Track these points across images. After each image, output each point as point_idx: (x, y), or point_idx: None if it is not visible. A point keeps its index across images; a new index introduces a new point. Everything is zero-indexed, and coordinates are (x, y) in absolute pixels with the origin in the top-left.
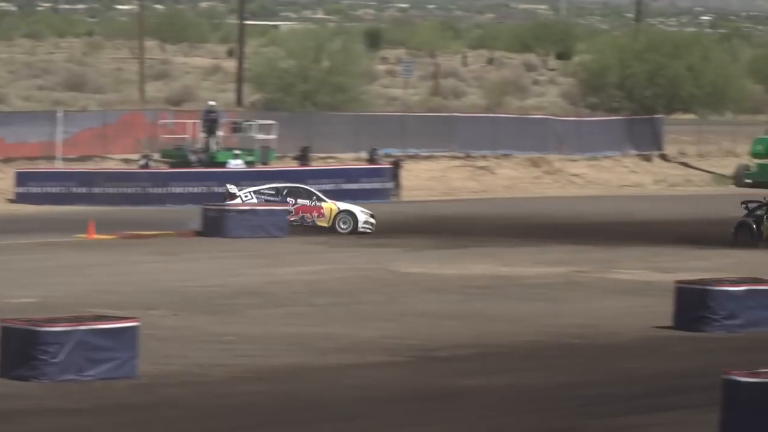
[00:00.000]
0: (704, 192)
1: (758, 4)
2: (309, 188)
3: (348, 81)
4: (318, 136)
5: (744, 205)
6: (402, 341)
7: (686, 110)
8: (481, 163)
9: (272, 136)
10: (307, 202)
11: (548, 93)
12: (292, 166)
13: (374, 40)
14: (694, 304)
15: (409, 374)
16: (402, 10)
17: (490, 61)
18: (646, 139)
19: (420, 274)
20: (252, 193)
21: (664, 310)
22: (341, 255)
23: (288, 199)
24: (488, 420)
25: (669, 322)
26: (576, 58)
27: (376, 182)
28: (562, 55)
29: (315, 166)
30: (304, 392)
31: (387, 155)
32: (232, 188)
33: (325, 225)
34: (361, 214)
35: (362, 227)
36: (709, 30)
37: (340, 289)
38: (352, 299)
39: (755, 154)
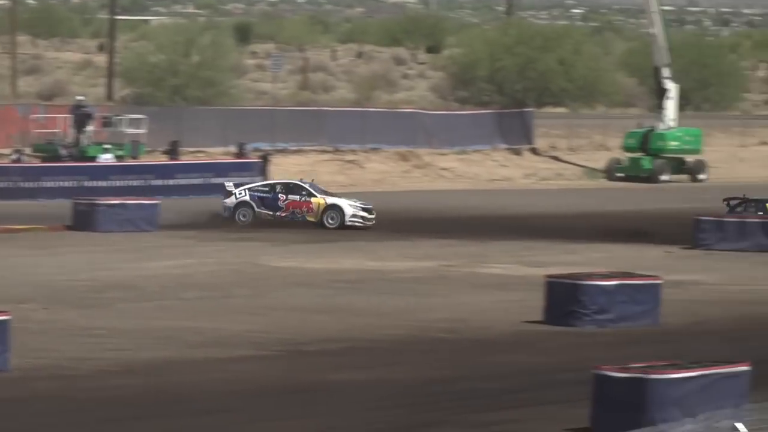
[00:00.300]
0: (575, 186)
1: None
2: (301, 184)
3: (217, 75)
4: (187, 131)
5: (726, 202)
6: (271, 335)
7: (557, 104)
8: (350, 157)
9: (142, 131)
10: (297, 197)
11: (418, 87)
12: (162, 160)
13: (244, 34)
14: (564, 299)
15: (278, 368)
16: (271, 4)
17: (360, 55)
18: (516, 133)
19: (288, 268)
20: (246, 191)
21: (534, 304)
22: (210, 249)
23: (280, 195)
24: (358, 414)
25: (539, 317)
26: (446, 52)
27: (244, 176)
28: (431, 49)
29: (184, 160)
30: (173, 386)
31: (256, 149)
32: (229, 185)
33: (314, 220)
34: (349, 207)
35: (350, 221)
36: (580, 23)
37: (208, 283)
38: (220, 293)
39: (627, 148)
